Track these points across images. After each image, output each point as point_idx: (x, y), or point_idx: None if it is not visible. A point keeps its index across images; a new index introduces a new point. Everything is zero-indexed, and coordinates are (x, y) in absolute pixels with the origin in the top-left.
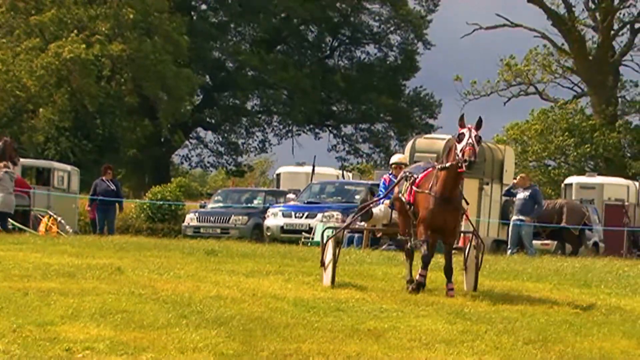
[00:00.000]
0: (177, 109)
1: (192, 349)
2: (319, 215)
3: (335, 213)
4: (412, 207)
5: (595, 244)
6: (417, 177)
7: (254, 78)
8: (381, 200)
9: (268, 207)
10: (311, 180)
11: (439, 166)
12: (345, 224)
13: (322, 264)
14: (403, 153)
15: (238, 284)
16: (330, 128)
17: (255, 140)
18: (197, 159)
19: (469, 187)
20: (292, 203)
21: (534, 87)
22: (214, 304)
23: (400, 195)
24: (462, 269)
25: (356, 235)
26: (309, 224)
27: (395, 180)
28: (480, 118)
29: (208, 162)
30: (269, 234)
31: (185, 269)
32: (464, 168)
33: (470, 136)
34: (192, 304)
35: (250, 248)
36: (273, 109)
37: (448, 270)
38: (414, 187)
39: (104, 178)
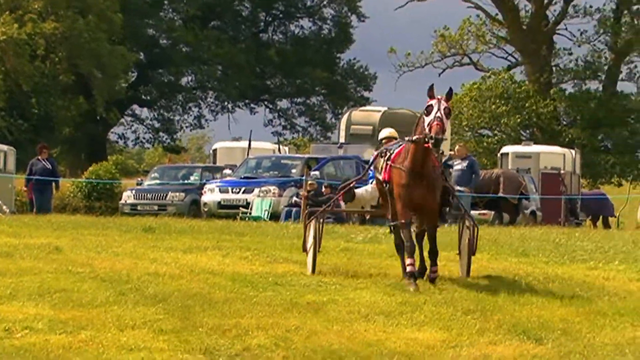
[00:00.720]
0: (112, 87)
1: (131, 326)
2: (256, 190)
3: (272, 187)
4: (388, 185)
5: (533, 212)
6: (393, 153)
7: (189, 54)
8: (370, 180)
9: (205, 183)
10: (247, 155)
11: (407, 139)
12: (325, 206)
13: (305, 249)
14: (340, 126)
15: (176, 261)
16: (265, 103)
17: (191, 116)
18: (133, 137)
19: None
20: (228, 178)
21: (468, 58)
22: (152, 281)
23: (377, 174)
24: (457, 253)
25: (294, 209)
26: (246, 199)
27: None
28: (450, 89)
29: (144, 139)
30: (206, 209)
31: (123, 246)
32: (430, 145)
33: (439, 109)
34: (131, 282)
35: (187, 224)
36: (208, 85)
37: (432, 253)
38: (389, 163)
39: (39, 157)
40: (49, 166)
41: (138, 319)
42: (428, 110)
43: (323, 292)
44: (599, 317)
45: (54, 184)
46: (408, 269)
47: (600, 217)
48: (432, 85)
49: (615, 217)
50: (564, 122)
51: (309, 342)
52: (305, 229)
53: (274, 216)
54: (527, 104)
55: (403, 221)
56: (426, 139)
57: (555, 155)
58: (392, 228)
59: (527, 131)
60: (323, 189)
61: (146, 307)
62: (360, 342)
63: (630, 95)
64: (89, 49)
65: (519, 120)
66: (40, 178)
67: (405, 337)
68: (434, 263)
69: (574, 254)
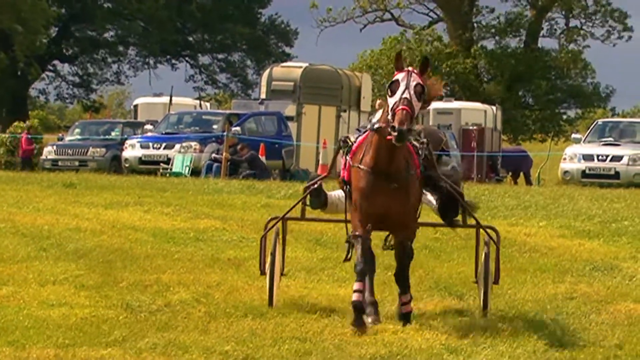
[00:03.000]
0: (33, 42)
1: (52, 282)
2: (177, 146)
3: (193, 143)
4: (348, 186)
5: (453, 168)
6: (354, 144)
7: (110, 9)
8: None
9: (126, 139)
10: (169, 111)
11: (369, 125)
12: (286, 212)
13: (262, 271)
14: (262, 82)
15: (97, 216)
16: (187, 59)
17: (112, 72)
18: (54, 92)
19: (327, 114)
20: (150, 134)
21: (389, 14)
22: (73, 237)
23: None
24: (474, 281)
25: (215, 164)
26: (167, 155)
27: None
28: (425, 58)
29: (66, 95)
30: (127, 165)
31: (44, 202)
32: (394, 139)
33: (407, 86)
34: (52, 237)
35: (108, 180)
36: (129, 40)
37: (399, 277)
38: (348, 159)
39: None
40: None
41: (59, 275)
42: (392, 88)
43: (244, 247)
44: (520, 274)
45: None
46: (354, 297)
47: (522, 174)
48: (400, 52)
49: (530, 173)
50: (485, 79)
51: (230, 297)
52: (262, 242)
53: (195, 172)
54: (444, 65)
55: (357, 233)
56: (389, 129)
57: (476, 112)
58: (349, 247)
59: (448, 88)
60: (238, 148)
61: (67, 262)
62: (282, 298)
63: (550, 51)
64: (10, 3)
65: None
66: None
67: (326, 293)
68: (403, 291)
69: (495, 210)
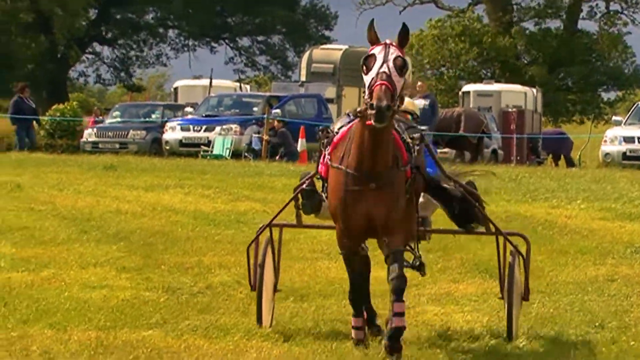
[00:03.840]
0: (73, 25)
1: (93, 264)
2: (217, 128)
3: (233, 126)
4: (325, 186)
5: (494, 151)
6: (336, 136)
7: None
8: None
9: (166, 121)
10: (209, 93)
11: (350, 111)
12: (274, 217)
13: (252, 286)
14: (301, 64)
15: (138, 199)
16: (226, 41)
17: (152, 54)
18: (94, 75)
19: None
20: (190, 117)
21: None
22: (114, 219)
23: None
24: (500, 297)
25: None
26: (208, 137)
27: None
28: (404, 26)
29: (105, 78)
30: (167, 147)
31: (85, 184)
32: (372, 120)
33: (385, 60)
34: (93, 219)
35: (149, 162)
36: (169, 23)
37: (396, 280)
38: (326, 153)
39: (22, 96)
40: (33, 105)
41: (100, 257)
42: (367, 63)
43: (285, 230)
44: (561, 256)
45: (34, 122)
46: (352, 334)
47: (562, 156)
48: (372, 21)
49: (570, 156)
50: (525, 61)
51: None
52: (254, 252)
53: (235, 154)
54: (484, 39)
55: (344, 252)
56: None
57: (516, 94)
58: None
59: (488, 69)
60: (275, 123)
61: (108, 244)
62: (323, 280)
63: (590, 34)
64: None
65: (476, 53)
66: (27, 117)
67: None
68: (396, 297)
69: (535, 193)
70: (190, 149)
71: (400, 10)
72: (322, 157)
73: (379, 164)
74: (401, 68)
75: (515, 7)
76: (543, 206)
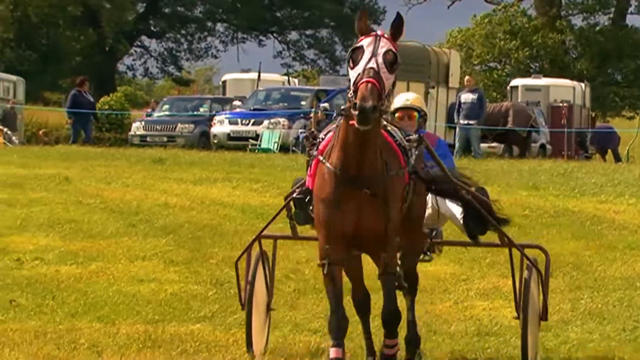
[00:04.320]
0: (121, 18)
1: (141, 258)
2: (266, 122)
3: (281, 119)
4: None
5: (542, 146)
6: (325, 139)
7: None
8: None
9: (214, 115)
10: (257, 87)
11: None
12: (263, 228)
13: (243, 304)
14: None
15: (186, 192)
16: (274, 35)
17: (200, 48)
18: (142, 68)
19: (415, 90)
20: (238, 110)
21: None
22: (162, 212)
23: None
24: (515, 317)
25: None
26: (256, 131)
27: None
28: (398, 16)
29: (153, 71)
30: (215, 141)
31: (133, 177)
32: (356, 121)
33: (373, 54)
34: (141, 213)
35: (197, 156)
36: (218, 17)
37: (388, 316)
38: (317, 156)
39: (81, 90)
40: (91, 99)
41: (148, 250)
42: (354, 57)
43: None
44: (609, 251)
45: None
46: (331, 354)
47: (610, 151)
48: (363, 11)
49: (618, 150)
50: (573, 56)
51: (319, 274)
52: (237, 268)
53: (283, 148)
54: (535, 38)
55: (323, 262)
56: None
57: (564, 88)
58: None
59: (536, 64)
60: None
61: (156, 238)
62: (373, 273)
63: (639, 29)
64: None
65: (527, 53)
66: (85, 111)
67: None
68: (389, 334)
69: (584, 187)
70: (238, 143)
71: (448, 5)
72: (309, 169)
73: (365, 167)
74: (392, 63)
75: (562, 1)
76: (591, 201)
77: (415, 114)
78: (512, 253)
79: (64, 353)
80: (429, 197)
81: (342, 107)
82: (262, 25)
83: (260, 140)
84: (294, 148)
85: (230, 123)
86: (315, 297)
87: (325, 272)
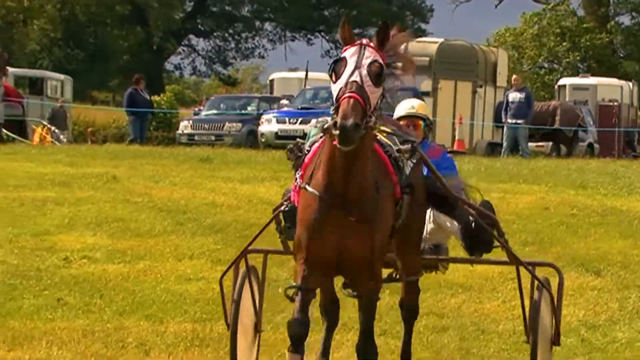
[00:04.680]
0: (169, 16)
1: (189, 256)
2: (313, 121)
3: (329, 118)
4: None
5: (590, 145)
6: (310, 152)
7: None
8: None
9: (262, 114)
10: (304, 86)
11: (318, 122)
12: (250, 242)
13: (229, 326)
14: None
15: (233, 191)
16: (322, 33)
17: (248, 47)
18: (189, 67)
19: (462, 90)
20: (286, 109)
21: None
22: (210, 211)
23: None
24: (525, 340)
25: None
26: (303, 130)
27: None
28: (384, 24)
29: (200, 70)
30: (263, 140)
31: (180, 176)
32: (337, 142)
33: (357, 66)
34: (188, 212)
35: (244, 154)
36: (265, 16)
37: (365, 348)
38: (297, 177)
39: (137, 88)
40: (148, 97)
41: (196, 249)
42: (337, 69)
43: None
44: None
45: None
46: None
47: None
48: (346, 20)
49: None
50: (621, 55)
51: None
52: (222, 285)
53: None
54: (583, 40)
55: (299, 283)
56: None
57: (612, 88)
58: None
59: (584, 64)
60: None
61: (204, 237)
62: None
63: None
64: None
65: (578, 58)
66: (142, 110)
67: (463, 268)
68: None
69: (632, 187)
70: (285, 142)
71: (496, 4)
72: (295, 187)
73: (352, 191)
74: (378, 75)
75: (611, 1)
76: None
77: (421, 122)
78: (526, 269)
79: (111, 352)
80: (429, 211)
81: (324, 125)
82: (309, 24)
83: (308, 139)
84: None
85: (278, 122)
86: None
87: (297, 298)
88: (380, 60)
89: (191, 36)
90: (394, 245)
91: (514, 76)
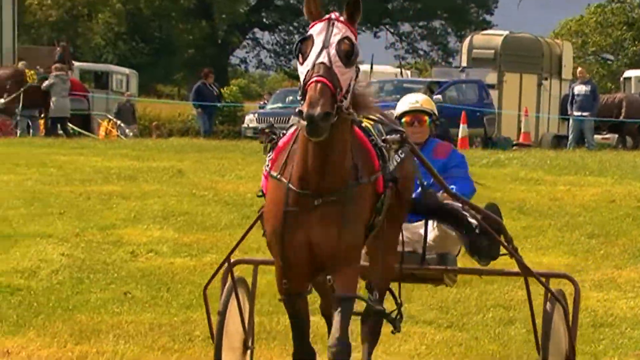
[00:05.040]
0: (233, 10)
1: (255, 250)
2: None
3: (394, 111)
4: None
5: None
6: (284, 135)
7: None
8: None
9: None
10: (370, 79)
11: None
12: (232, 250)
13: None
14: (462, 50)
15: None
16: (387, 26)
17: None
18: (254, 60)
19: (528, 82)
20: None
21: None
22: None
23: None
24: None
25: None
26: None
27: None
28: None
29: (265, 63)
30: None
31: (246, 169)
32: (306, 132)
33: (324, 46)
34: (255, 205)
35: None
36: (330, 8)
37: (337, 348)
38: (267, 163)
39: (205, 82)
40: (217, 91)
41: (263, 243)
42: (303, 50)
43: None
44: None
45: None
46: None
47: None
48: None
49: None
50: None
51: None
52: (206, 296)
53: None
54: None
55: (284, 296)
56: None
57: None
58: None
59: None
60: None
61: None
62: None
63: None
64: None
65: None
66: (211, 104)
67: (530, 261)
68: None
69: None
70: None
71: None
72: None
73: (326, 182)
74: (348, 55)
75: None
76: None
77: (426, 118)
78: (537, 280)
79: (179, 345)
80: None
81: (297, 109)
82: (375, 17)
83: None
84: None
85: None
86: (430, 288)
87: (287, 305)
88: (352, 37)
89: (256, 30)
90: (365, 247)
91: (579, 69)
